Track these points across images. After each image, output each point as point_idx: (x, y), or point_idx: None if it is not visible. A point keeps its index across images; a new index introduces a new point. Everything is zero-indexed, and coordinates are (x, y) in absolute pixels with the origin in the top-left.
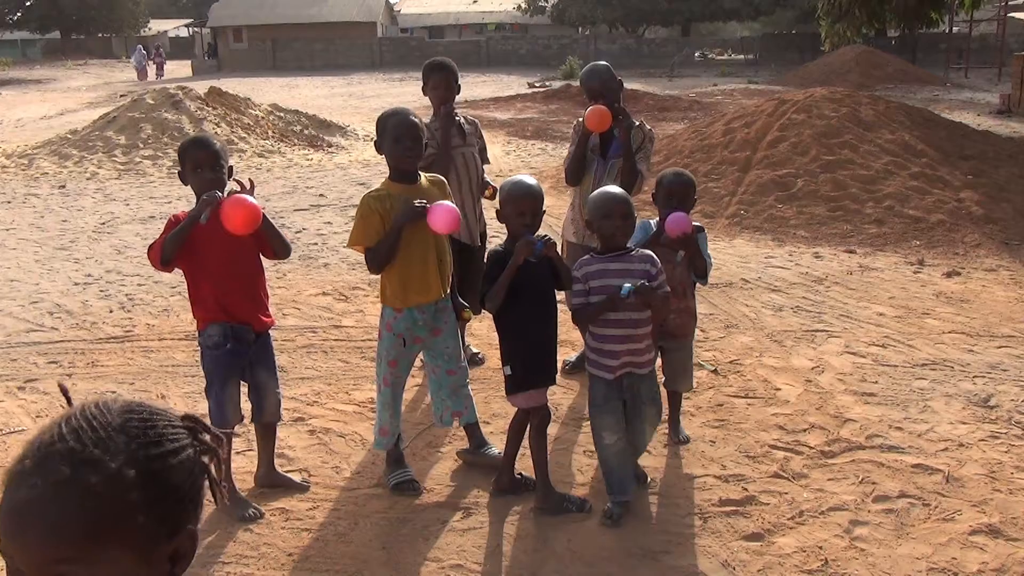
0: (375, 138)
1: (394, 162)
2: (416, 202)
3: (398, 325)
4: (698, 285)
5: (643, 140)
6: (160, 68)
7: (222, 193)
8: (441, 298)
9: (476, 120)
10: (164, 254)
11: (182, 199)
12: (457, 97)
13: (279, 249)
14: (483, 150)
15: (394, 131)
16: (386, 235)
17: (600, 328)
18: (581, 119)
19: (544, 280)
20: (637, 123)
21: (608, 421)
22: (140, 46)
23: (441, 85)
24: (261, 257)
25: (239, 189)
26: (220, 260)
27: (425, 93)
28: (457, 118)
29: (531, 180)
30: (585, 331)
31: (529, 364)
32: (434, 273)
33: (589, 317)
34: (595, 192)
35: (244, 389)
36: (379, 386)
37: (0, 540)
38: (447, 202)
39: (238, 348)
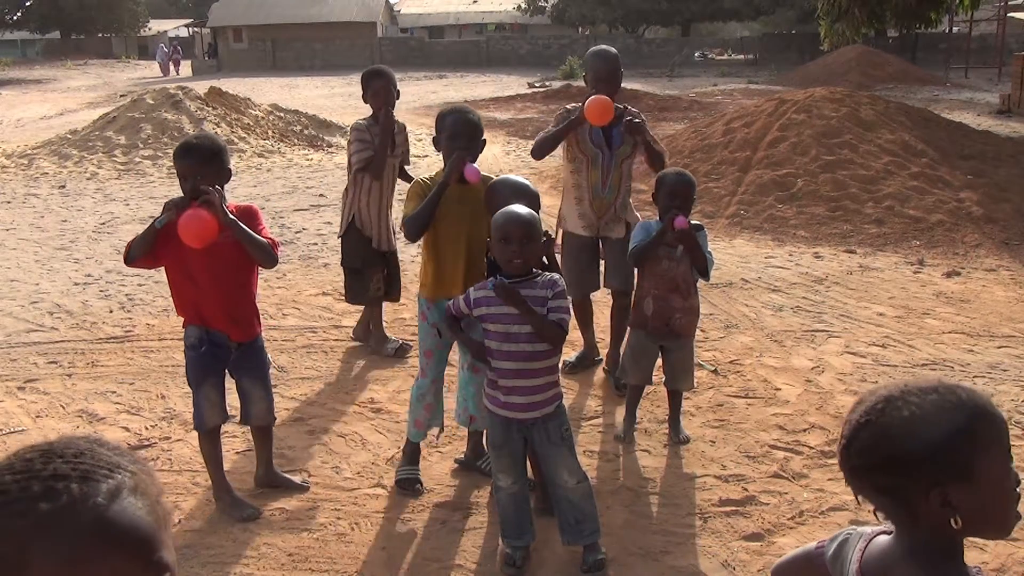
0: (434, 134)
1: (451, 153)
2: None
3: (432, 315)
4: (700, 284)
5: (644, 127)
6: (176, 65)
7: (201, 198)
8: None
9: (403, 123)
10: (130, 254)
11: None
12: (456, 97)
13: (258, 259)
14: (406, 152)
15: (451, 128)
16: (428, 198)
17: (496, 360)
18: (572, 106)
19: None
20: (622, 107)
21: (504, 464)
22: (162, 44)
23: (381, 92)
24: (256, 269)
25: (208, 198)
26: (201, 266)
27: (366, 100)
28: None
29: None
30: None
31: None
32: (461, 271)
33: (447, 328)
34: (497, 212)
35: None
36: (418, 376)
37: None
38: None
39: (215, 352)
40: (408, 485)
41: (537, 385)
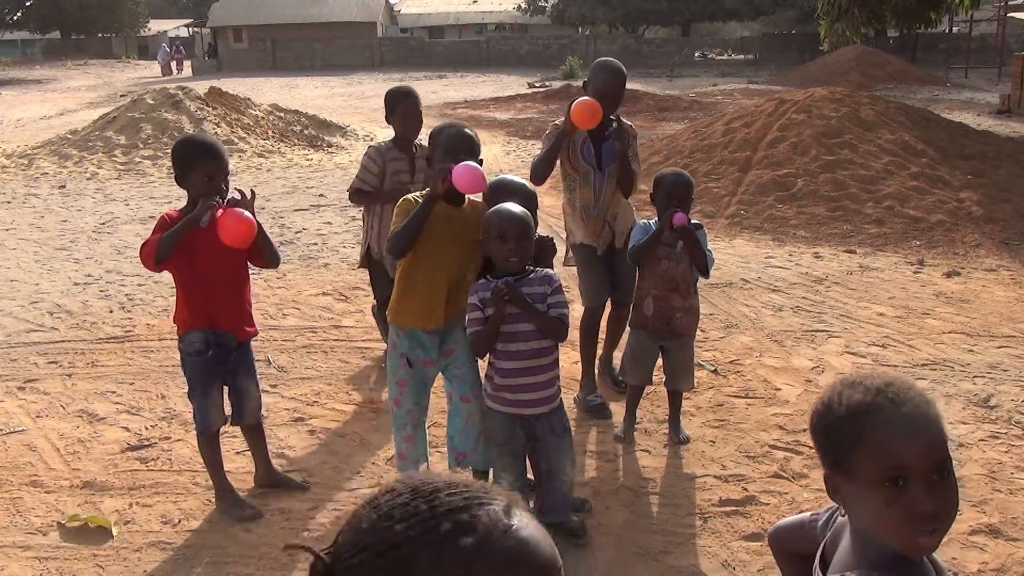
0: (428, 154)
1: None
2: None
3: (401, 343)
4: (700, 284)
5: (629, 139)
6: (179, 64)
7: (224, 198)
8: (444, 328)
9: (425, 147)
10: (159, 252)
11: (181, 199)
12: (456, 97)
13: (269, 259)
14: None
15: (447, 143)
16: (415, 212)
17: (499, 360)
18: (560, 121)
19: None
20: (615, 119)
21: (507, 462)
22: (164, 44)
23: (410, 114)
24: (248, 265)
25: (239, 198)
26: (211, 266)
27: (389, 121)
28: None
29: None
30: (483, 356)
31: None
32: (440, 301)
33: (486, 338)
34: (491, 210)
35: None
36: (391, 407)
37: None
38: (471, 162)
39: (220, 355)
40: None
41: (543, 381)
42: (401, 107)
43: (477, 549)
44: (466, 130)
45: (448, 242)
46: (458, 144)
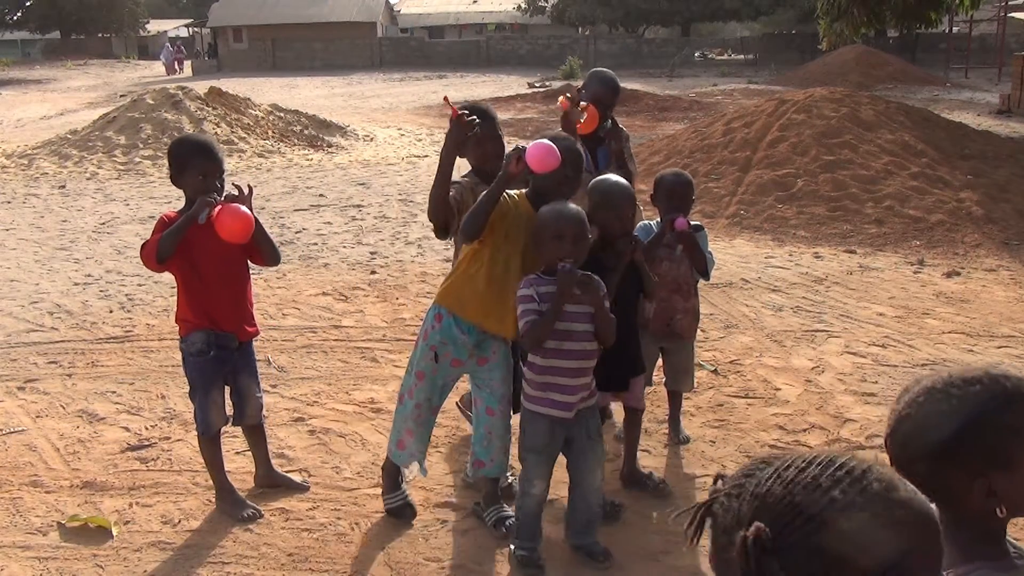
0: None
1: (550, 185)
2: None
3: (433, 336)
4: (700, 285)
5: (623, 140)
6: (180, 64)
7: (220, 196)
8: (497, 335)
9: None
10: (160, 251)
11: (181, 199)
12: (457, 97)
13: (269, 257)
14: None
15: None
16: (486, 192)
17: (551, 359)
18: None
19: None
20: (608, 124)
21: (544, 470)
22: (167, 44)
23: (488, 137)
24: (249, 264)
25: (237, 194)
26: (212, 265)
27: (463, 152)
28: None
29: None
30: (536, 347)
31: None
32: (495, 301)
33: (544, 329)
34: (547, 207)
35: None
36: (401, 396)
37: None
38: (545, 140)
39: (221, 355)
40: (400, 513)
41: (589, 382)
42: (478, 131)
43: (907, 502)
44: (577, 145)
45: (514, 233)
46: (567, 158)
